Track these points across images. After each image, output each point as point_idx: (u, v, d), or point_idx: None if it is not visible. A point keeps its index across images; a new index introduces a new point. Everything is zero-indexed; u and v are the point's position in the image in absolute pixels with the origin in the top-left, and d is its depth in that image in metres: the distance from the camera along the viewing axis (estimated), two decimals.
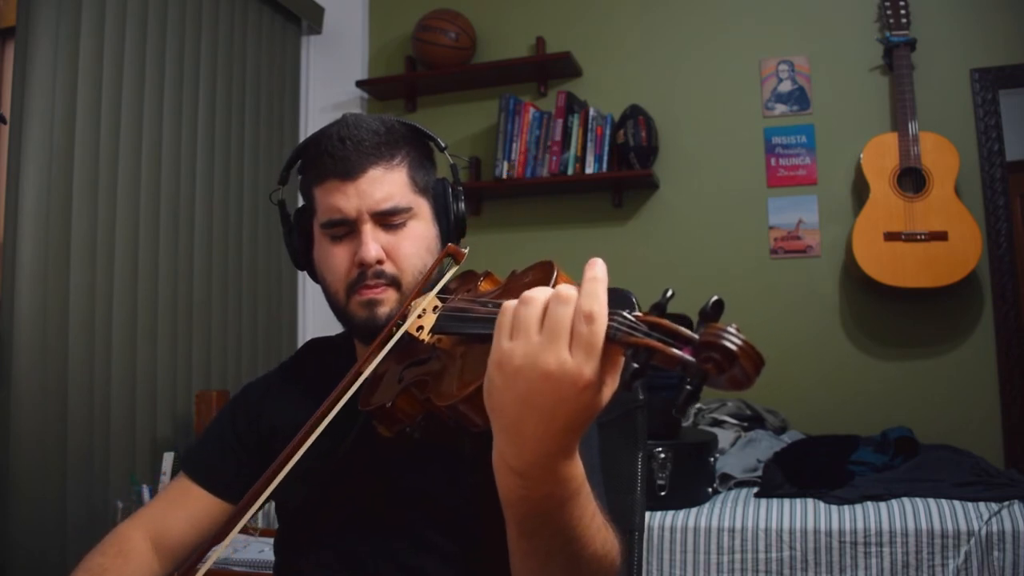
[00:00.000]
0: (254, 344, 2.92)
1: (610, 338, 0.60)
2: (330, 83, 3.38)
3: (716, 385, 0.56)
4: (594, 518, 0.74)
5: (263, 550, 1.98)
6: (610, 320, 0.60)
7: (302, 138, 3.28)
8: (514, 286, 0.83)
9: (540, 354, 0.61)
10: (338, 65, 3.39)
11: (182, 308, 2.57)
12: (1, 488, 1.99)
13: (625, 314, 0.61)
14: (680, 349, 0.57)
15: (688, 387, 0.56)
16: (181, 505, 1.07)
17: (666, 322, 0.59)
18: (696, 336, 0.56)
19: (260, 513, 2.39)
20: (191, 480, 1.09)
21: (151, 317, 2.43)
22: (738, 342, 0.54)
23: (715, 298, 0.57)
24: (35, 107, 2.10)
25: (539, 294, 0.63)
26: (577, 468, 0.69)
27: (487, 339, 0.71)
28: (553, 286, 0.67)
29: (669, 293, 0.61)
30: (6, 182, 2.09)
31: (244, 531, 2.22)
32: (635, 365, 0.58)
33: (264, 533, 2.16)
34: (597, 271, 0.62)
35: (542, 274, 0.76)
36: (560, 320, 0.61)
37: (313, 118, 3.36)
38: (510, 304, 0.65)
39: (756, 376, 0.54)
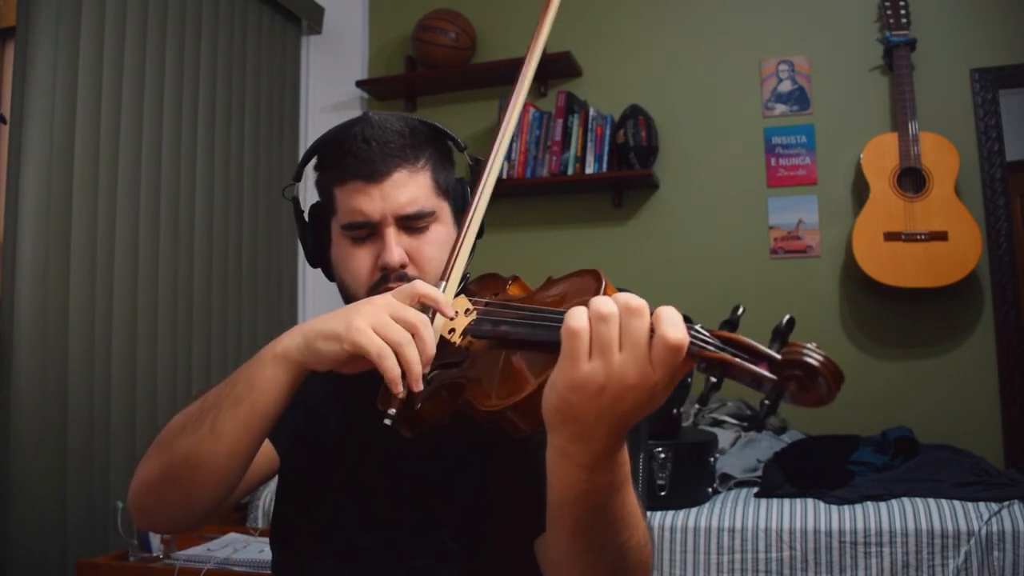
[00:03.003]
0: (254, 344, 2.91)
1: (688, 353, 0.61)
2: (330, 83, 3.38)
3: (795, 401, 0.58)
4: (638, 507, 0.77)
5: (263, 550, 1.98)
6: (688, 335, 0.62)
7: (302, 138, 3.29)
8: (554, 294, 0.83)
9: (626, 371, 0.62)
10: (338, 65, 3.39)
11: (182, 308, 2.57)
12: (1, 488, 1.99)
13: (699, 328, 0.62)
14: (756, 365, 0.58)
15: (766, 402, 0.58)
16: None
17: (741, 338, 0.60)
18: (774, 353, 0.58)
19: (260, 513, 2.39)
20: None
21: (151, 317, 2.43)
22: (819, 358, 0.56)
23: (788, 317, 0.60)
24: (35, 107, 2.10)
25: (610, 308, 0.63)
26: (627, 452, 0.72)
27: (533, 345, 0.73)
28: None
29: (740, 311, 0.63)
30: (6, 182, 2.09)
31: (244, 531, 2.22)
32: (712, 380, 0.60)
33: (264, 533, 2.16)
34: (666, 308, 0.63)
35: (591, 284, 0.76)
36: (639, 334, 0.62)
37: (313, 118, 3.36)
38: (579, 323, 0.63)
39: (837, 392, 0.56)
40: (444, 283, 0.86)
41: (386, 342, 0.77)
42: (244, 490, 1.00)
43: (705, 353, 0.60)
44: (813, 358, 0.56)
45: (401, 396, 0.77)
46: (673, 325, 0.60)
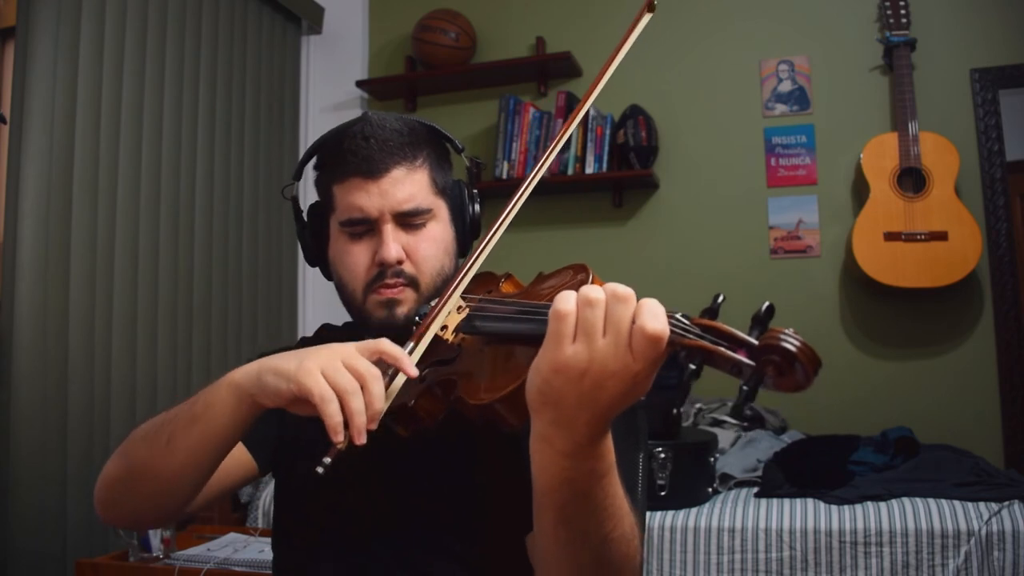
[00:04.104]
0: (254, 344, 2.91)
1: (667, 342, 0.62)
2: (330, 83, 3.38)
3: (774, 387, 0.58)
4: (623, 499, 0.77)
5: (263, 550, 1.97)
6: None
7: (302, 138, 3.29)
8: (546, 288, 0.84)
9: (607, 357, 0.63)
10: (338, 65, 3.39)
11: (182, 308, 2.57)
12: (1, 488, 1.99)
13: (679, 317, 0.63)
14: (735, 351, 0.59)
15: (744, 388, 0.58)
16: None
17: (721, 325, 0.61)
18: (751, 339, 0.58)
19: (260, 513, 2.39)
20: None
21: (151, 317, 2.43)
22: (797, 343, 0.56)
23: (767, 304, 0.59)
24: (35, 107, 2.10)
25: (598, 294, 0.64)
26: (611, 442, 0.72)
27: (522, 339, 0.73)
28: None
29: (721, 298, 0.64)
30: (6, 182, 2.09)
31: (244, 531, 2.22)
32: (692, 367, 0.61)
33: (264, 533, 2.16)
34: (649, 300, 0.64)
35: (579, 277, 0.77)
36: (622, 321, 0.63)
37: (313, 118, 3.36)
38: (566, 306, 0.65)
39: (814, 377, 0.56)
40: (412, 344, 0.83)
41: (332, 388, 0.76)
42: (213, 495, 1.02)
43: (685, 341, 0.61)
44: (791, 343, 0.56)
45: (340, 447, 0.74)
46: (653, 316, 0.61)
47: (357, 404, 0.75)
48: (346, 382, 0.76)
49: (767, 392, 0.59)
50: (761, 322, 0.59)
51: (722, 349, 0.59)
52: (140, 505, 0.94)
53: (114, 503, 0.96)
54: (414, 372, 0.79)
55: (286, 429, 1.06)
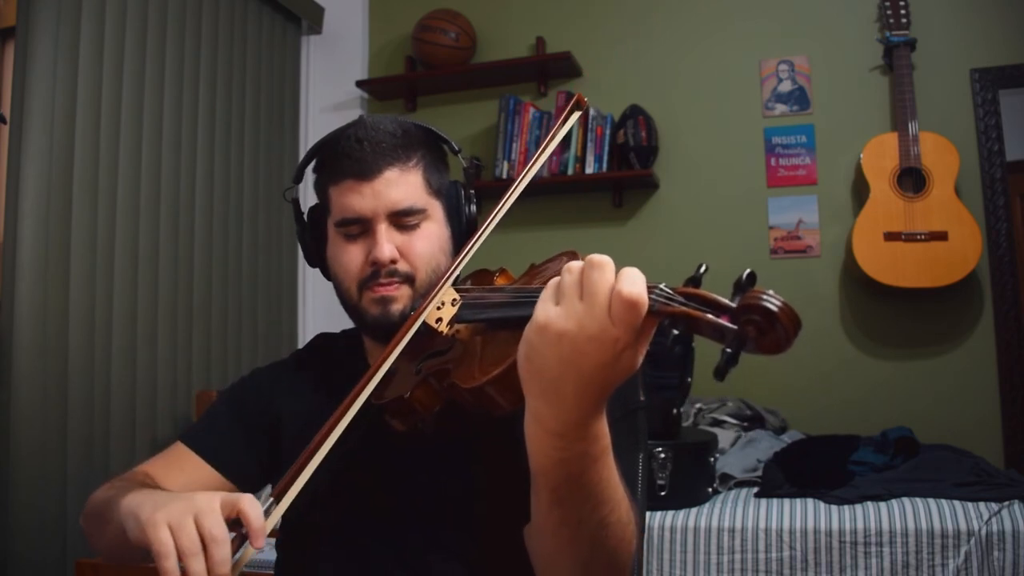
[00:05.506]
0: (254, 344, 2.92)
1: (650, 311, 0.63)
2: (330, 83, 3.38)
3: (754, 348, 0.58)
4: (619, 485, 0.78)
5: (264, 550, 1.97)
6: (649, 294, 0.63)
7: (302, 138, 3.29)
8: (537, 276, 0.85)
9: (584, 319, 0.64)
10: (338, 65, 3.39)
11: (182, 308, 2.57)
12: (1, 488, 1.99)
13: (662, 286, 0.64)
14: (718, 316, 0.59)
15: (728, 351, 0.58)
16: (179, 469, 1.05)
17: (702, 292, 0.62)
18: (732, 304, 0.59)
19: None
20: (191, 450, 1.07)
21: (151, 317, 2.43)
22: (778, 303, 0.56)
23: (748, 271, 0.61)
24: (35, 107, 2.10)
25: (577, 263, 0.67)
26: (605, 425, 0.73)
27: (512, 323, 0.74)
28: None
29: (703, 268, 0.66)
30: (6, 182, 2.09)
31: None
32: (675, 332, 0.62)
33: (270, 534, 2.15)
34: (629, 268, 0.66)
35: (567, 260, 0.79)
36: (598, 284, 0.64)
37: (313, 118, 3.36)
38: (553, 279, 0.68)
39: (795, 337, 0.56)
40: (272, 502, 0.79)
41: (176, 545, 0.72)
42: None
43: (668, 309, 0.62)
44: (771, 303, 0.57)
45: None
46: (631, 282, 0.63)
47: (197, 567, 0.71)
48: (188, 543, 0.72)
49: (751, 356, 0.59)
50: (742, 288, 0.60)
51: (705, 314, 0.60)
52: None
53: (93, 546, 1.02)
54: (260, 544, 0.75)
55: (281, 441, 1.07)
